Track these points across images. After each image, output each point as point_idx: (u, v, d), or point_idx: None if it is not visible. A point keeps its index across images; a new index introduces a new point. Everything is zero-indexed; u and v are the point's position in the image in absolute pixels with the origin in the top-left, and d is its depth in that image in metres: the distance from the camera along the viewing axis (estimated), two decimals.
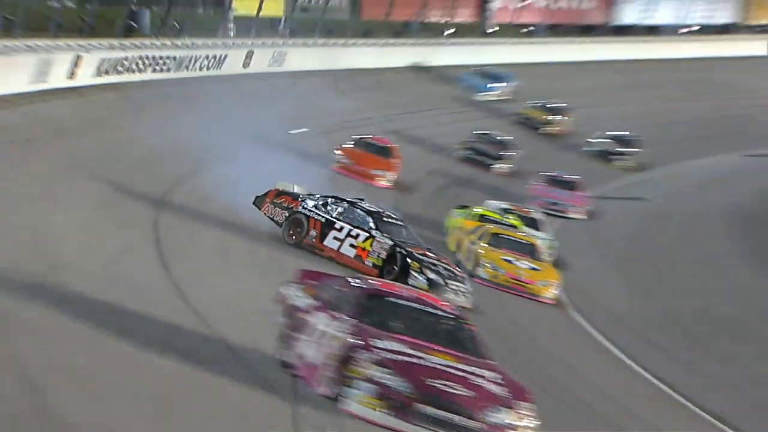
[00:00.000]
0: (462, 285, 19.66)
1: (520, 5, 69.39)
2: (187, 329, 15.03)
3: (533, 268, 22.24)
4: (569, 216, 32.16)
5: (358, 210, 20.31)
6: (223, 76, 43.11)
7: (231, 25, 50.58)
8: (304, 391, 11.81)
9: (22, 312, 13.55)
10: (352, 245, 19.55)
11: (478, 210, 27.67)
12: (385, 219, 20.39)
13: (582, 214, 33.04)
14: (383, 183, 30.75)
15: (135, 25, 44.21)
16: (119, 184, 24.23)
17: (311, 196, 21.13)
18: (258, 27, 51.46)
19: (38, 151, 25.78)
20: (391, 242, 19.44)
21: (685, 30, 77.16)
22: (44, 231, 19.16)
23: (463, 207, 28.63)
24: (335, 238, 19.76)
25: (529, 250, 23.21)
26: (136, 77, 38.01)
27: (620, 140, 45.13)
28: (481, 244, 23.04)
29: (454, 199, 32.79)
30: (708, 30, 78.12)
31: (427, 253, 20.50)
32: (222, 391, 11.82)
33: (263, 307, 15.81)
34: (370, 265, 19.39)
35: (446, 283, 19.32)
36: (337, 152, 31.60)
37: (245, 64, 46.06)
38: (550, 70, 60.55)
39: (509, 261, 22.22)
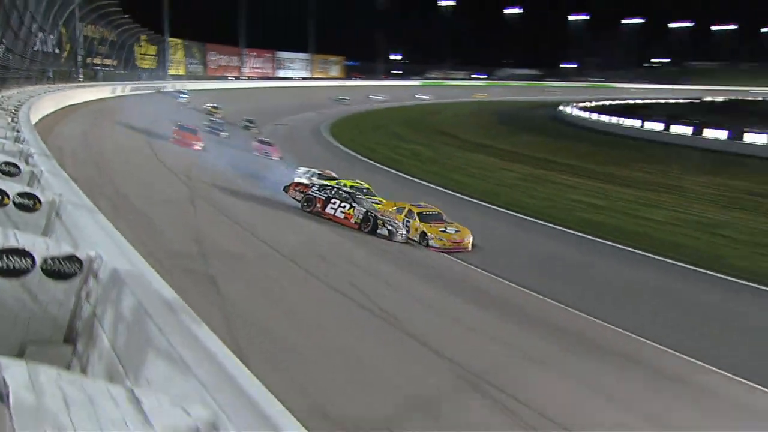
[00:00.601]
0: (403, 231, 10.24)
1: (251, 70, 61.82)
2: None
3: (457, 231, 9.99)
4: (273, 158, 17.82)
5: (343, 192, 11.03)
6: (167, 92, 36.96)
7: (169, 77, 45.80)
8: None
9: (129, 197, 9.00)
10: (342, 211, 10.64)
11: (345, 181, 12.92)
12: (358, 196, 11.16)
13: (278, 156, 18.08)
14: (197, 147, 16.82)
15: (141, 76, 40.53)
16: (141, 124, 18.83)
17: (315, 185, 11.80)
18: (177, 78, 46.34)
19: (113, 114, 20.42)
20: (364, 209, 10.57)
21: (297, 78, 65.40)
22: (113, 139, 14.70)
23: (333, 179, 13.35)
24: (331, 207, 10.73)
25: (438, 217, 10.56)
26: (143, 92, 33.73)
27: (249, 120, 26.42)
28: (415, 222, 10.39)
29: (227, 148, 17.93)
30: (300, 78, 65.36)
31: (384, 214, 10.73)
32: None
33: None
34: (353, 222, 10.45)
35: (396, 231, 10.15)
36: (172, 132, 17.46)
37: (172, 89, 40.08)
38: (246, 91, 44.31)
39: (444, 230, 9.94)
